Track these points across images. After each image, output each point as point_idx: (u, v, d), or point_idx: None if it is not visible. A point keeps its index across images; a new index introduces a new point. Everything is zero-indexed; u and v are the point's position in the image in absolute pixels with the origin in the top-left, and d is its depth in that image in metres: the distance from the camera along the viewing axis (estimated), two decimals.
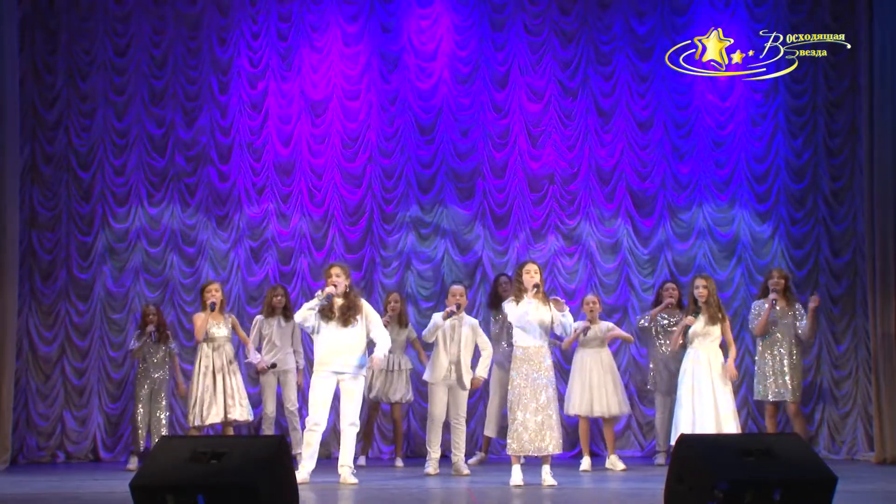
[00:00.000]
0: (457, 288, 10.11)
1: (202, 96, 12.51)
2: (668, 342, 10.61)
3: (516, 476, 8.83)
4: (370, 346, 9.45)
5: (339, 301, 9.25)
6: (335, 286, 9.22)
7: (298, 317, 9.37)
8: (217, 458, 6.10)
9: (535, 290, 8.86)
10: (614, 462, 10.26)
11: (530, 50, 12.60)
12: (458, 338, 9.95)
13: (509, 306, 9.01)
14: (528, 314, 8.84)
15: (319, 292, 9.30)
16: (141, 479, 6.09)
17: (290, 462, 6.53)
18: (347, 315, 9.18)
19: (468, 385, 9.98)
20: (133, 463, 10.74)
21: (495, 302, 11.00)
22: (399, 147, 12.55)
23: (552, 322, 8.95)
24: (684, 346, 9.95)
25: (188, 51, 12.54)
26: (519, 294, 8.95)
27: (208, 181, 12.45)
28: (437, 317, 9.95)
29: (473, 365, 10.04)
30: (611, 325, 10.67)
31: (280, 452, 6.37)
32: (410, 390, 11.06)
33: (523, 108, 12.56)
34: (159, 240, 12.36)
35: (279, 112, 12.57)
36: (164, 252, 12.36)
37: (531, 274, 8.92)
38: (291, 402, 10.81)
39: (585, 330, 10.34)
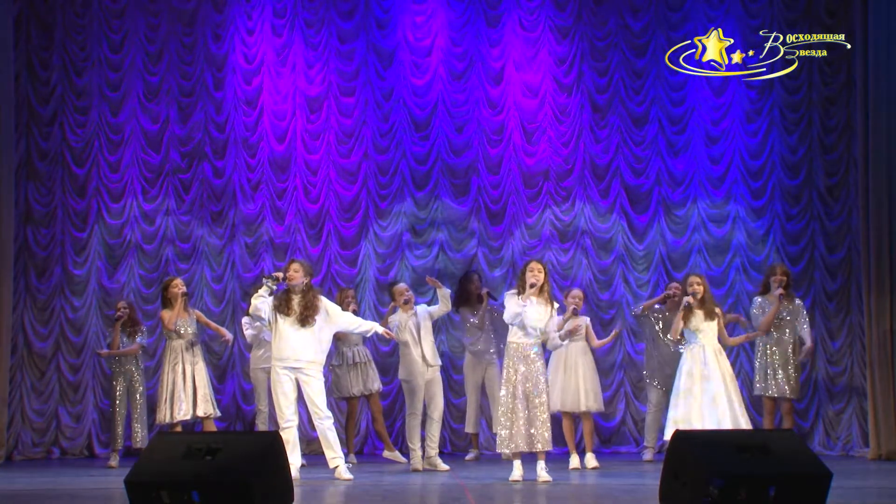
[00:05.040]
0: (402, 286, 10.41)
1: (197, 92, 12.51)
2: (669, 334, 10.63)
3: (516, 471, 8.85)
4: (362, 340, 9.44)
5: (296, 298, 9.24)
6: (290, 279, 9.22)
7: (251, 308, 9.39)
8: (212, 455, 6.11)
9: (532, 289, 8.86)
10: (589, 460, 10.16)
11: (525, 46, 12.59)
12: (420, 330, 10.06)
13: (510, 299, 9.01)
14: (524, 315, 8.83)
15: (265, 278, 9.31)
16: (136, 475, 6.09)
17: (285, 458, 6.53)
18: (305, 315, 9.15)
19: (438, 361, 10.17)
20: (114, 460, 10.69)
21: (465, 299, 11.04)
22: (394, 143, 12.55)
23: (547, 326, 9.00)
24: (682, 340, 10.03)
25: (183, 47, 12.54)
26: (521, 290, 8.96)
27: (203, 177, 12.46)
28: (395, 317, 10.18)
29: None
30: (587, 319, 10.57)
31: (274, 448, 6.37)
32: (379, 379, 11.12)
33: (518, 104, 12.56)
34: (154, 236, 12.36)
35: (274, 108, 12.57)
36: (159, 248, 12.37)
37: (534, 273, 8.92)
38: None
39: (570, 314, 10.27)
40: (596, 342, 10.60)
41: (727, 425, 9.31)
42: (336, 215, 12.47)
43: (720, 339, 9.90)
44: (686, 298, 9.86)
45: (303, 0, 12.64)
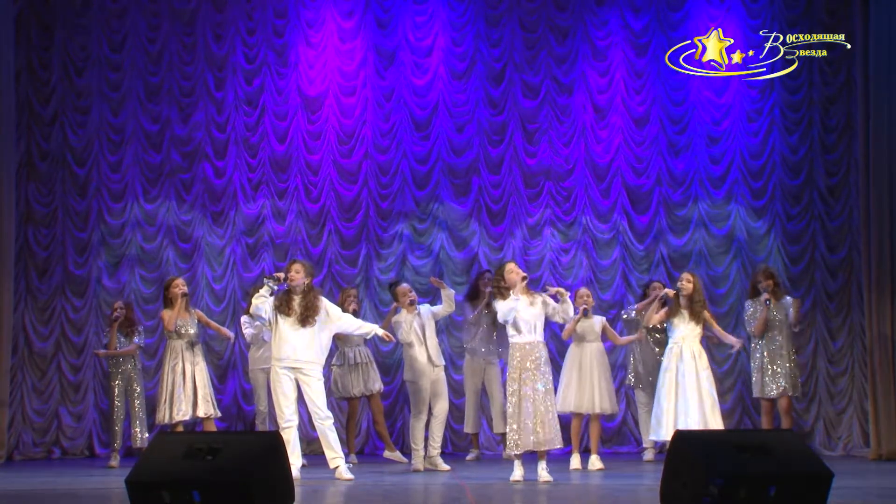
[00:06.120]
0: (405, 286, 10.32)
1: (197, 92, 12.51)
2: (657, 340, 10.61)
3: (517, 471, 8.84)
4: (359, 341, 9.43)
5: (297, 298, 9.24)
6: (291, 280, 9.21)
7: (252, 308, 9.40)
8: (212, 454, 6.11)
9: (523, 282, 8.86)
10: (594, 461, 10.11)
11: (526, 46, 12.59)
12: (424, 330, 10.05)
13: (497, 304, 8.99)
14: (517, 310, 8.83)
15: (266, 279, 9.30)
16: (137, 475, 6.09)
17: (286, 458, 6.53)
18: (306, 315, 9.16)
19: (442, 361, 10.17)
20: (114, 460, 10.69)
21: (474, 294, 11.07)
22: (395, 143, 12.55)
23: (545, 314, 8.96)
24: (665, 339, 9.99)
25: (183, 47, 12.54)
26: (504, 293, 8.93)
27: (204, 177, 12.46)
28: (399, 317, 10.10)
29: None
30: (603, 319, 10.57)
31: (275, 448, 6.37)
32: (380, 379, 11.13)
33: (519, 104, 12.56)
34: (155, 236, 12.36)
35: (275, 108, 12.57)
36: (160, 248, 12.37)
37: (514, 271, 8.93)
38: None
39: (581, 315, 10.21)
40: (621, 340, 10.60)
41: (694, 426, 9.30)
42: (337, 215, 12.47)
43: (709, 340, 9.93)
44: (665, 290, 9.87)
45: (303, 0, 12.64)
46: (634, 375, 10.89)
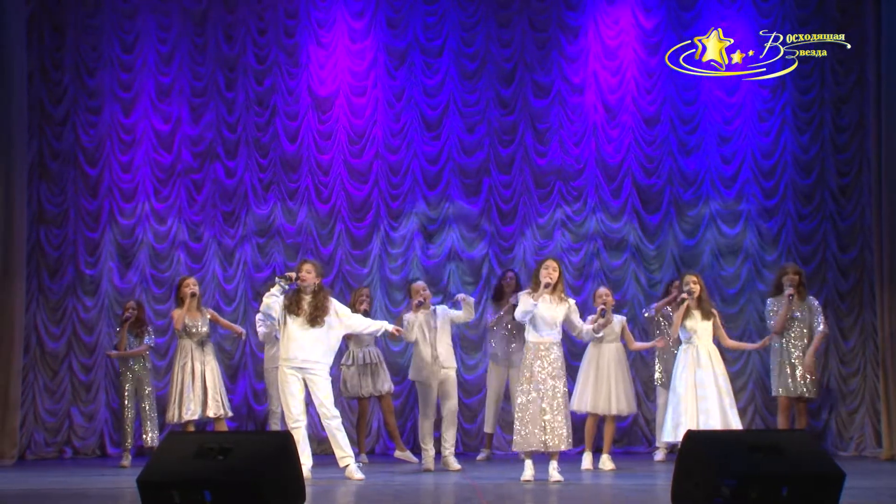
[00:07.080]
0: (419, 284, 10.22)
1: (208, 92, 12.53)
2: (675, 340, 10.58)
3: (527, 471, 8.84)
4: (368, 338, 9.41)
5: (307, 298, 9.25)
6: (302, 280, 9.22)
7: (262, 306, 9.38)
8: (223, 454, 6.12)
9: (547, 288, 8.85)
10: (605, 461, 10.13)
11: (536, 45, 12.59)
12: (434, 330, 9.98)
13: (523, 298, 8.99)
14: (537, 309, 8.82)
15: (278, 278, 9.30)
16: (148, 474, 6.10)
17: (297, 458, 6.53)
18: (315, 315, 9.17)
19: (453, 363, 10.07)
20: (126, 460, 10.70)
21: (498, 295, 11.06)
22: (405, 143, 12.55)
23: (565, 320, 8.96)
24: (679, 341, 9.96)
25: (195, 47, 12.56)
26: (535, 288, 8.94)
27: (215, 177, 12.47)
28: (408, 316, 10.02)
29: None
30: (623, 319, 10.52)
31: (286, 448, 6.37)
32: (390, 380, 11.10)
33: (529, 103, 12.55)
34: (166, 236, 12.38)
35: (285, 108, 12.57)
36: (171, 248, 12.38)
37: (549, 271, 8.91)
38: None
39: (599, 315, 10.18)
40: (635, 345, 10.57)
41: (716, 427, 9.27)
42: (347, 215, 12.47)
43: (719, 341, 9.89)
44: (681, 295, 9.84)
45: (314, 0, 12.65)
46: (662, 374, 10.81)
